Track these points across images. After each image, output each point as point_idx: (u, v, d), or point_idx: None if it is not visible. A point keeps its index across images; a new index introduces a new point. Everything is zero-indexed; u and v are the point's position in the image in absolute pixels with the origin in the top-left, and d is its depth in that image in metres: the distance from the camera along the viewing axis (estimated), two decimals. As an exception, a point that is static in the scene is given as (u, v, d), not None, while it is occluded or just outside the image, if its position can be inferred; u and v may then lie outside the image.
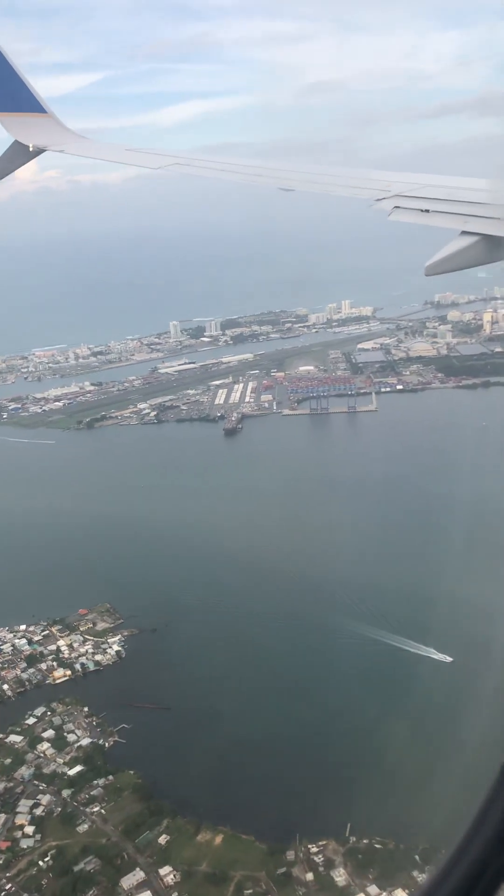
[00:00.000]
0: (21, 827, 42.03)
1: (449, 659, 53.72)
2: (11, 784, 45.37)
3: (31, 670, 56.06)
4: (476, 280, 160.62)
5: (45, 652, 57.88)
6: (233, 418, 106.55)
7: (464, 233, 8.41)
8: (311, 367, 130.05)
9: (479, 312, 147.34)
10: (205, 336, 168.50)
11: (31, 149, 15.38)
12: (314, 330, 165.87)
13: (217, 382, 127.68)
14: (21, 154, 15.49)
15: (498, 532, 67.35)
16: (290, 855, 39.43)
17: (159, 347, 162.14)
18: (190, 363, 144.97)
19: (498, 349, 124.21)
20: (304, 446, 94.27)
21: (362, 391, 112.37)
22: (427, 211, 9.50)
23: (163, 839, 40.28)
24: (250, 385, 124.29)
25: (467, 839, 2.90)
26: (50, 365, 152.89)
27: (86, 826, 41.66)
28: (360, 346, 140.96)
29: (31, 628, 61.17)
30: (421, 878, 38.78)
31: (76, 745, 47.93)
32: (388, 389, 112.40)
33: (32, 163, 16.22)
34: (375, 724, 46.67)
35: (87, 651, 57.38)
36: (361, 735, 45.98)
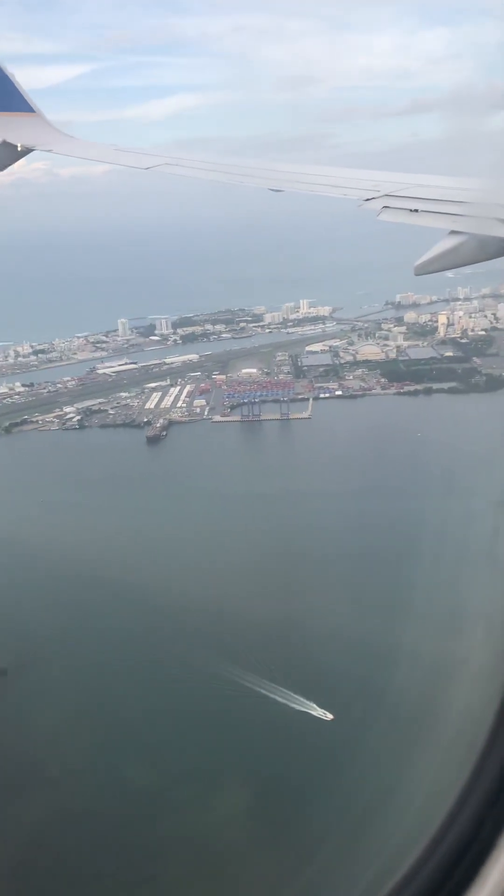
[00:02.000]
0: None
1: (329, 716, 46.95)
2: None
3: None
4: (443, 280, 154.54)
5: None
6: (157, 425, 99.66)
7: (452, 232, 8.52)
8: (254, 370, 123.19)
9: (437, 314, 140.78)
10: (154, 335, 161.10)
11: (19, 148, 15.48)
12: (268, 330, 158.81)
13: (153, 385, 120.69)
14: (9, 153, 15.55)
15: (411, 562, 60.69)
16: None
17: (105, 346, 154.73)
18: (131, 363, 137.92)
19: (448, 353, 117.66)
20: (222, 458, 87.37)
21: (300, 397, 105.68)
22: (416, 211, 9.60)
23: None
24: (187, 388, 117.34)
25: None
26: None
27: None
28: (308, 348, 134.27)
29: None
30: None
31: None
32: (326, 395, 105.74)
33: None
34: (216, 796, 40.02)
35: None
36: (196, 810, 39.29)
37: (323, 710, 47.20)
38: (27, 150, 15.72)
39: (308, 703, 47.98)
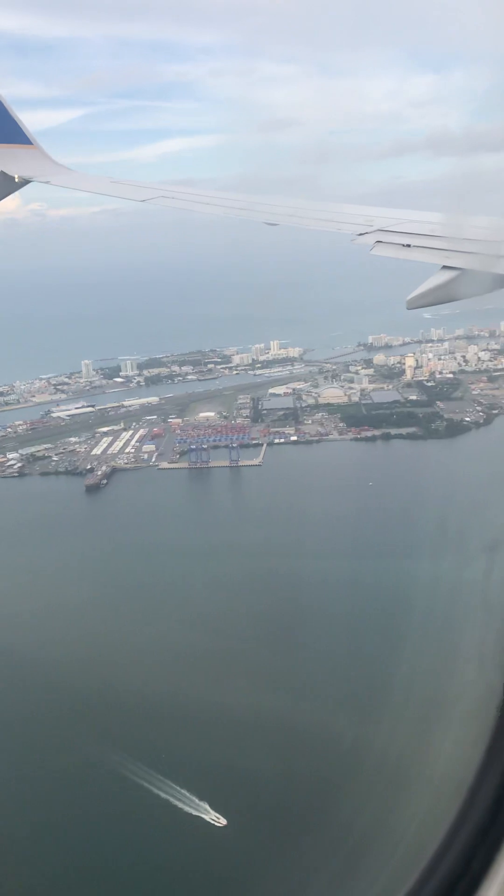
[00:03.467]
0: None
1: (223, 822, 40.37)
2: None
3: None
4: (419, 321, 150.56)
5: None
6: (98, 473, 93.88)
7: (445, 267, 8.70)
8: (212, 414, 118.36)
9: (406, 356, 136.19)
10: (119, 376, 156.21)
11: (16, 179, 15.32)
12: (235, 372, 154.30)
13: (105, 429, 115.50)
14: (5, 184, 15.38)
15: (338, 632, 54.55)
16: None
17: (66, 388, 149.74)
18: (88, 406, 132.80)
19: (412, 397, 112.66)
20: (158, 509, 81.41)
21: (254, 442, 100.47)
22: (408, 246, 9.74)
23: None
24: (139, 433, 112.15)
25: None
26: None
27: None
28: (271, 390, 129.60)
29: None
30: None
31: None
32: (281, 440, 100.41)
33: (16, 195, 15.88)
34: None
35: None
36: None
37: (216, 815, 40.65)
38: (24, 182, 15.39)
39: (202, 805, 41.41)
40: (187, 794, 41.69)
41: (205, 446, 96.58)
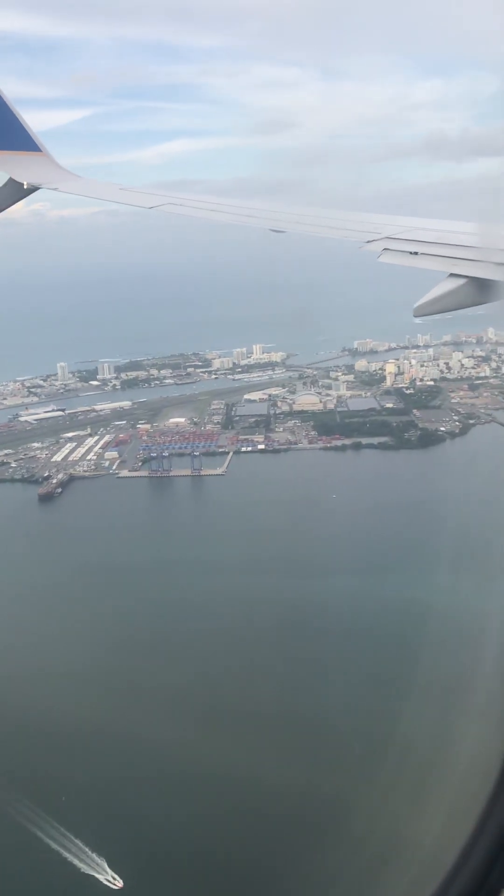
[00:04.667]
0: None
1: (119, 884, 35.90)
2: None
3: None
4: (410, 326, 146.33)
5: None
6: (53, 481, 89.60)
7: (452, 275, 8.58)
8: (183, 420, 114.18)
9: (387, 362, 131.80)
10: (95, 379, 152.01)
11: (25, 186, 15.54)
12: (214, 376, 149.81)
13: (70, 435, 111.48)
14: (15, 191, 15.62)
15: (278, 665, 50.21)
16: None
17: (39, 391, 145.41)
18: (58, 410, 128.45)
19: (389, 405, 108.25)
20: (107, 520, 77.13)
21: (221, 450, 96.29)
22: (416, 253, 9.70)
23: None
24: (105, 439, 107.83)
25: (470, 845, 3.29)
26: None
27: None
28: (246, 396, 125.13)
29: None
30: None
31: None
32: (248, 449, 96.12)
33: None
34: None
35: None
36: None
37: (113, 874, 36.18)
38: (33, 189, 15.54)
39: (100, 861, 36.94)
40: (81, 846, 37.27)
41: (166, 454, 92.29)
